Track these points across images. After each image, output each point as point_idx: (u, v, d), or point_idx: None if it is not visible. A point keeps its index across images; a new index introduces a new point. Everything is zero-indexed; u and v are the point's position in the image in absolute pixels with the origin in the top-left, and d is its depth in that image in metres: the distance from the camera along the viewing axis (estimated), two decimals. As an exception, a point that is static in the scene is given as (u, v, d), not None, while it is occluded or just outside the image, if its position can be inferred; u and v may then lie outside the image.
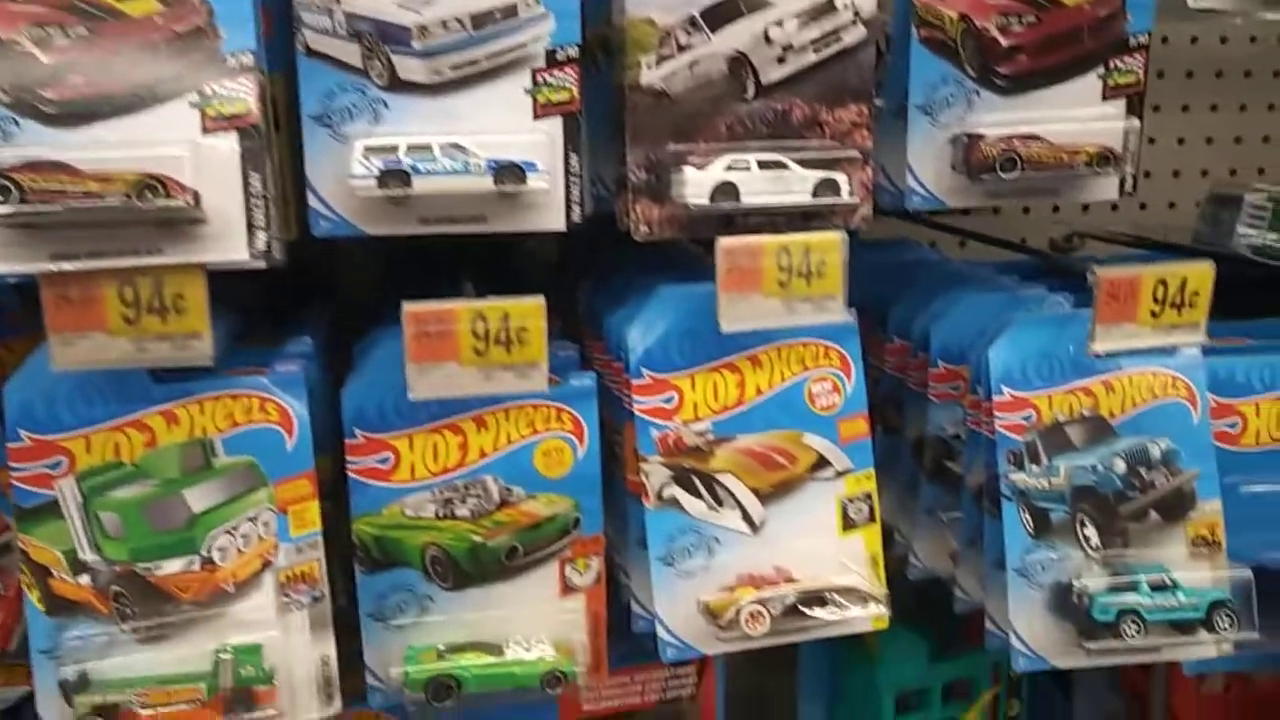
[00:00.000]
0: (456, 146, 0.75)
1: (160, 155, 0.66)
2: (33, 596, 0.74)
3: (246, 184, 0.69)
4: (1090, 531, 0.93)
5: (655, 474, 0.87)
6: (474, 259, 1.07)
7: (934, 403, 1.03)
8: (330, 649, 0.80)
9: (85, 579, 0.75)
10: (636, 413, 0.87)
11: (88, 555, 0.75)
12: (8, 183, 0.61)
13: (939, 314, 1.03)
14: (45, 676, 0.75)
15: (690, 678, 1.07)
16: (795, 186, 0.83)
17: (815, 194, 0.83)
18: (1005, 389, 0.93)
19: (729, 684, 1.15)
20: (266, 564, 0.78)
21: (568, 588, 0.87)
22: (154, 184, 0.64)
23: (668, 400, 0.88)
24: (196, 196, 0.66)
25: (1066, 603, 0.91)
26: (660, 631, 0.87)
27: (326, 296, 1.11)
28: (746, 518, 0.89)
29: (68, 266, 0.65)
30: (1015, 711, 1.30)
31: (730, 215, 0.83)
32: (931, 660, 1.23)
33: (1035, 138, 0.90)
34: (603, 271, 1.08)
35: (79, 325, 0.68)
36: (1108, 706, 1.36)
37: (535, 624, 0.85)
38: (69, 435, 0.74)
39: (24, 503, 0.74)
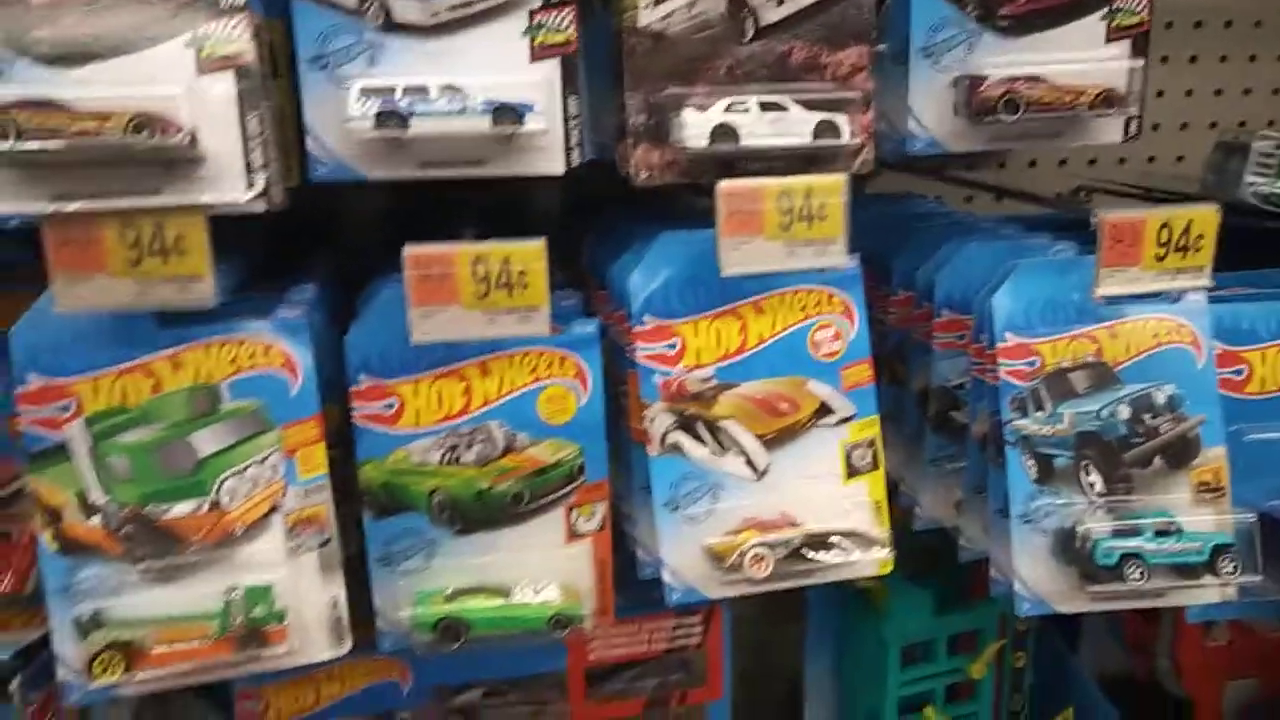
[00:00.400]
0: (453, 88, 0.75)
1: (155, 94, 0.66)
2: (46, 538, 0.75)
3: (243, 125, 0.69)
4: (1094, 477, 0.93)
5: (658, 420, 0.88)
6: (477, 213, 1.07)
7: (938, 353, 1.03)
8: (340, 590, 0.81)
9: (96, 521, 0.76)
10: (639, 359, 0.87)
11: (98, 498, 0.76)
12: (6, 121, 0.62)
13: (942, 263, 1.03)
14: (60, 615, 0.76)
15: (698, 626, 1.08)
16: (795, 129, 0.82)
17: (816, 136, 0.83)
18: (1009, 335, 0.92)
19: (736, 638, 1.15)
20: (275, 507, 0.79)
21: (574, 533, 0.88)
22: (149, 123, 0.64)
23: (670, 346, 0.88)
24: (193, 136, 0.66)
25: (1069, 548, 0.91)
26: (665, 576, 0.88)
27: (328, 250, 1.11)
28: (750, 464, 0.89)
29: (70, 207, 0.66)
30: (1021, 663, 1.31)
31: (730, 159, 0.83)
32: (937, 613, 1.24)
33: (1038, 79, 0.89)
34: (605, 224, 1.09)
35: (82, 267, 0.68)
36: (1113, 660, 1.36)
37: (542, 569, 0.86)
38: (76, 379, 0.75)
39: (33, 446, 0.75)
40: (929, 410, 1.05)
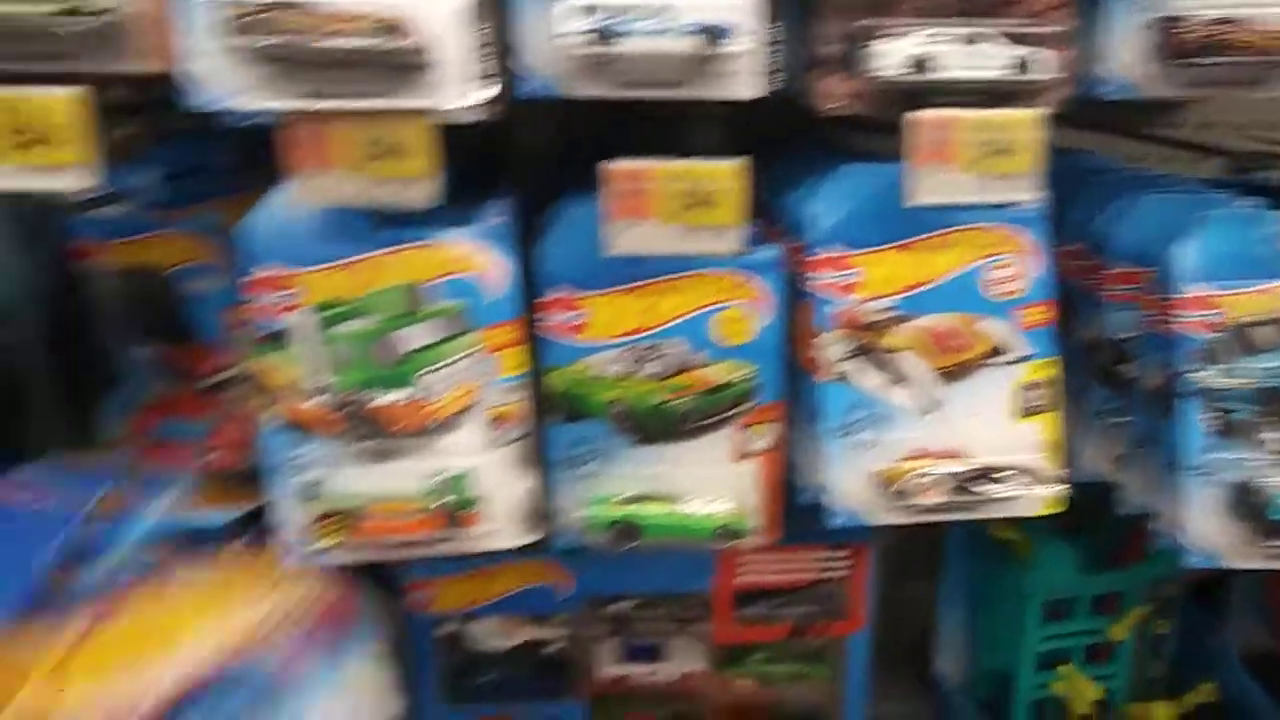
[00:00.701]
0: (660, 7, 0.77)
1: (397, 1, 0.70)
2: (268, 416, 0.82)
3: (473, 35, 0.73)
4: (1273, 434, 0.91)
5: (832, 348, 0.89)
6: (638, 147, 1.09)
7: (1109, 305, 1.01)
8: (533, 482, 0.86)
9: (314, 402, 0.82)
10: (816, 288, 0.89)
11: (316, 381, 0.82)
12: (268, 19, 0.67)
13: (1119, 215, 1.01)
14: (280, 487, 0.83)
15: (844, 560, 1.10)
16: (992, 62, 0.82)
17: (1012, 70, 0.82)
18: (1191, 287, 0.91)
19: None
20: (473, 403, 0.83)
21: (744, 452, 0.90)
22: (391, 28, 0.69)
23: (847, 276, 0.89)
24: (429, 43, 0.71)
25: (1244, 502, 0.90)
26: (829, 500, 0.90)
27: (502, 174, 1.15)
28: (921, 396, 0.90)
29: (320, 105, 0.71)
30: (1163, 631, 1.29)
31: (921, 90, 0.83)
32: (1081, 571, 1.23)
33: (1241, 22, 0.86)
34: (774, 161, 1.10)
35: (318, 163, 0.74)
36: (1258, 638, 1.33)
37: (712, 484, 0.89)
38: (302, 270, 0.81)
39: (262, 330, 0.81)
40: (1096, 363, 1.04)
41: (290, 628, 0.41)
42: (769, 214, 1.00)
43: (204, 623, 0.41)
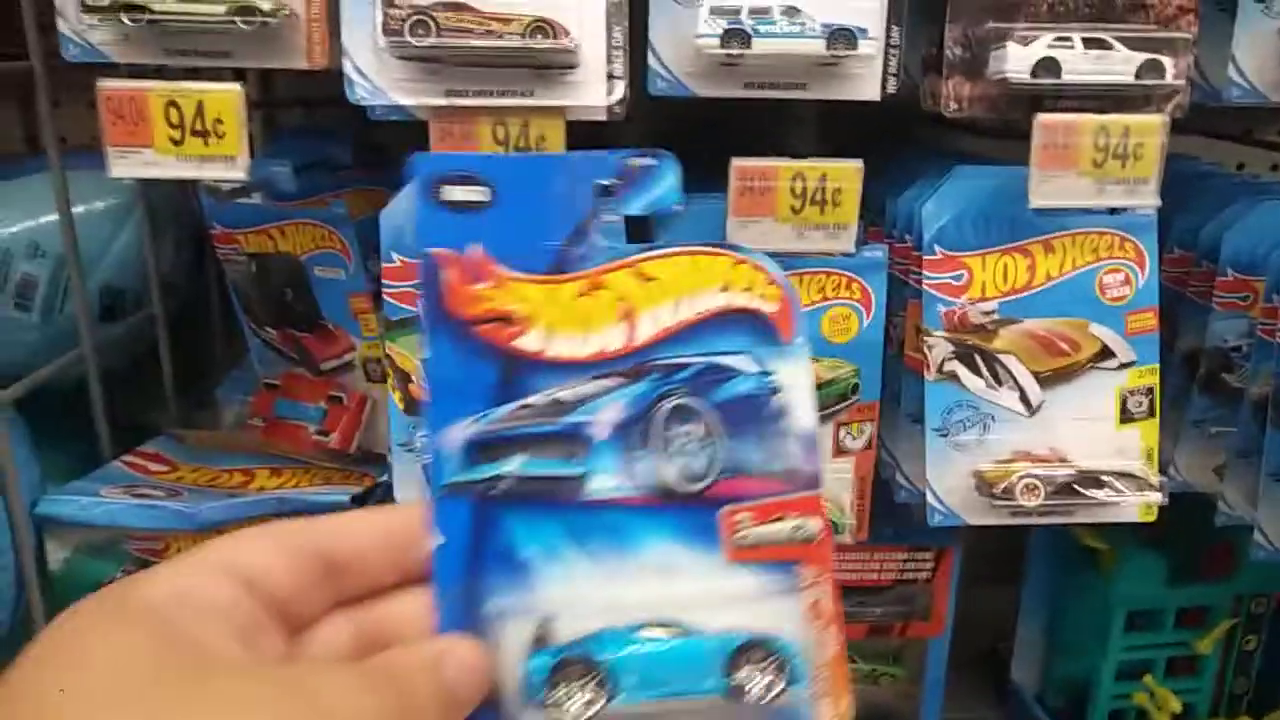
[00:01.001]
0: (793, 9, 0.78)
1: (550, 2, 0.72)
2: (395, 397, 0.85)
3: (614, 35, 0.75)
4: (1385, 449, 0.90)
5: (938, 348, 0.90)
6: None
7: (1217, 313, 1.01)
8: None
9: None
10: (925, 288, 0.90)
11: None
12: (428, 19, 0.70)
13: (1231, 222, 1.00)
14: (404, 467, 0.86)
15: (928, 563, 1.10)
16: (1119, 67, 0.82)
17: (1139, 75, 0.82)
18: (1306, 297, 0.90)
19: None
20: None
21: (840, 449, 0.92)
22: (545, 27, 0.71)
23: (957, 277, 0.90)
24: (579, 43, 0.73)
25: (1352, 518, 0.89)
26: (930, 499, 0.91)
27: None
28: (1024, 399, 0.90)
29: (460, 102, 0.74)
30: (1251, 646, 1.27)
31: (1045, 94, 0.84)
32: (1167, 583, 1.22)
33: (1378, 29, 0.86)
34: (875, 169, 1.11)
35: (458, 157, 0.77)
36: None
37: (811, 478, 0.91)
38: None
39: (393, 315, 0.85)
40: (1198, 371, 1.03)
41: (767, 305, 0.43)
42: (871, 219, 1.01)
43: (695, 285, 0.43)
